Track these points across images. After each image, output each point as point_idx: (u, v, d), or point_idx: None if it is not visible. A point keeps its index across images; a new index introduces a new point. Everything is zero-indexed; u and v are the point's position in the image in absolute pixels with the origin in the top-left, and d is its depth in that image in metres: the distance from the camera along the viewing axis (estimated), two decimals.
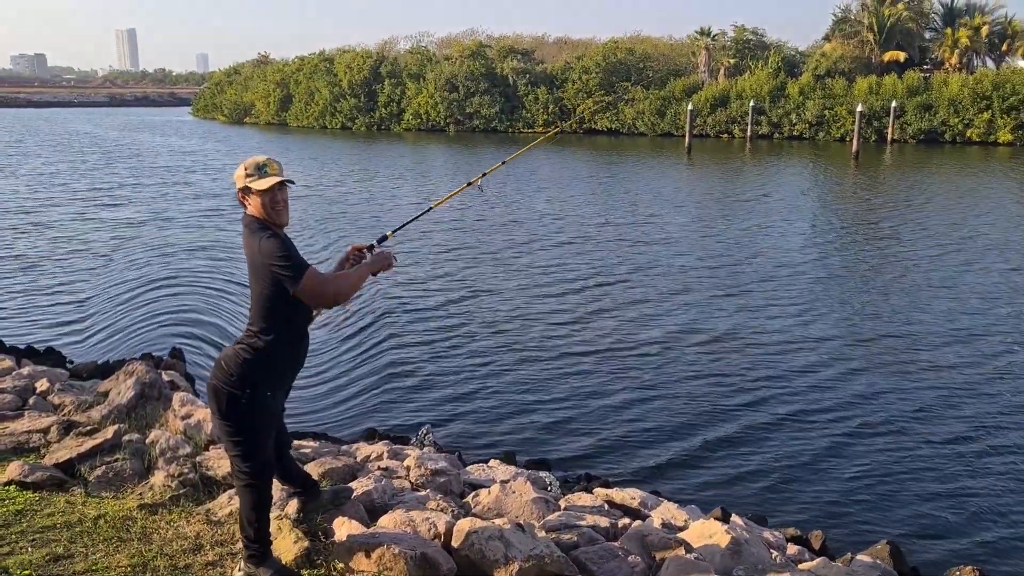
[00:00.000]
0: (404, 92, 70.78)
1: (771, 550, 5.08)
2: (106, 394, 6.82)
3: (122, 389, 6.62)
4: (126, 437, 5.80)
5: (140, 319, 12.64)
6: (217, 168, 38.41)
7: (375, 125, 71.67)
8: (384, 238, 4.66)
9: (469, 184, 5.34)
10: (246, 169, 3.95)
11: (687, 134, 49.50)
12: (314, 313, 4.10)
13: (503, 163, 6.07)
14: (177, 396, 6.57)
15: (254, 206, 3.92)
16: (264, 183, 3.90)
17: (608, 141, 56.96)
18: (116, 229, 21.17)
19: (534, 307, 14.03)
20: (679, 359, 11.42)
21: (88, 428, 5.92)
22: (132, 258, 17.40)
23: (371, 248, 4.52)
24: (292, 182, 4.03)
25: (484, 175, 5.42)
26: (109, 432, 5.77)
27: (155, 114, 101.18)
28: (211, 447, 5.84)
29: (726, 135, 59.01)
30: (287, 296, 3.80)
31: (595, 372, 10.94)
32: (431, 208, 5.19)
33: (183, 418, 6.18)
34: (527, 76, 67.07)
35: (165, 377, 7.40)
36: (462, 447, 8.39)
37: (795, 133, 56.77)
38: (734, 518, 5.34)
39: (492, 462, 6.75)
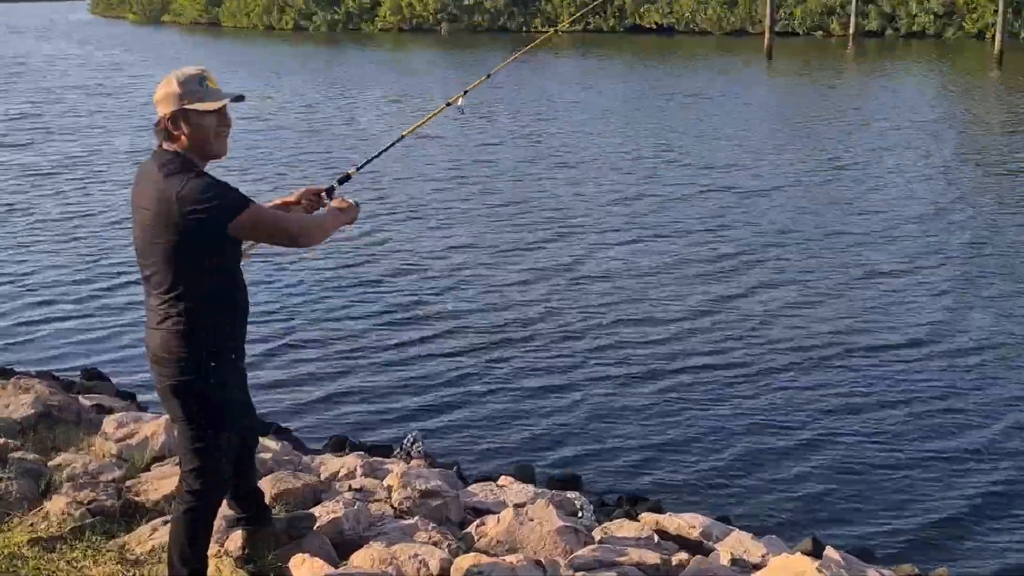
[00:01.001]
0: None
1: None
2: None
3: (11, 403, 6.76)
4: (15, 454, 5.92)
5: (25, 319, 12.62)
6: (139, 87, 38.15)
7: (339, 24, 71.33)
8: (347, 177, 4.96)
9: (448, 104, 5.66)
10: (180, 85, 4.03)
11: (767, 31, 49.01)
12: (244, 247, 4.30)
13: (488, 76, 6.34)
14: (111, 418, 6.75)
15: (188, 136, 4.04)
16: (212, 103, 4.03)
17: (657, 42, 56.47)
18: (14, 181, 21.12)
19: (555, 279, 14.02)
20: (749, 346, 11.38)
21: None
22: (29, 229, 17.31)
23: (330, 191, 4.72)
24: (242, 97, 4.22)
25: (466, 92, 5.72)
26: None
27: (37, 10, 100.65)
28: (154, 465, 6.02)
29: (821, 32, 58.47)
30: (211, 241, 4.01)
31: (639, 363, 10.93)
32: (402, 137, 5.52)
33: (119, 440, 6.36)
34: None
35: (86, 401, 7.59)
36: (461, 459, 8.43)
37: (916, 29, 56.15)
38: (828, 551, 5.37)
39: (502, 479, 6.78)
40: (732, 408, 9.73)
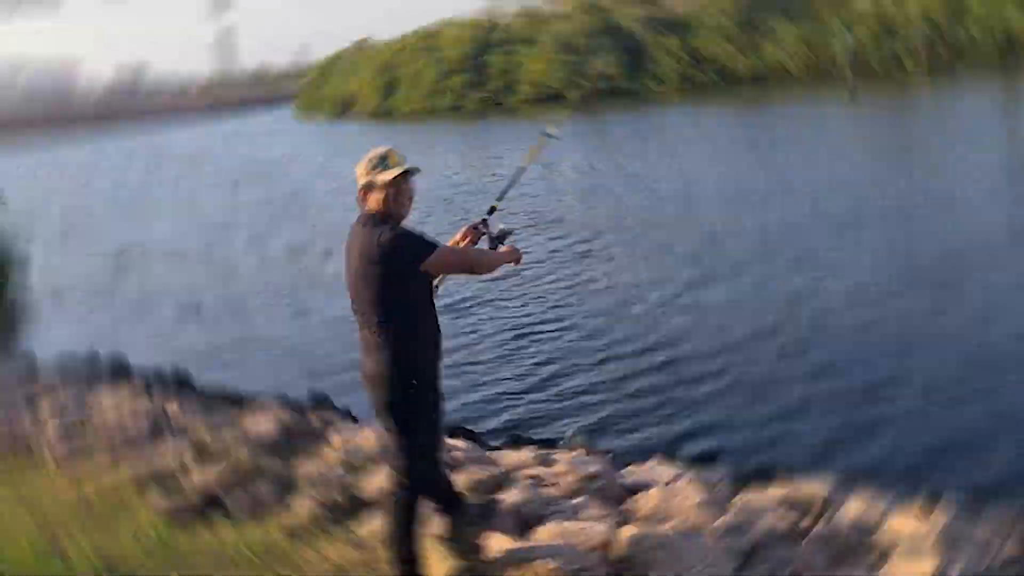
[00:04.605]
0: (516, 60, 71.75)
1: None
2: (239, 423, 7.74)
3: (260, 422, 7.56)
4: (265, 463, 6.72)
5: (280, 350, 13.73)
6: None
7: (488, 100, 72.80)
8: (492, 209, 5.58)
9: (548, 136, 6.23)
10: (369, 163, 4.75)
11: (847, 71, 46.70)
12: (436, 284, 4.88)
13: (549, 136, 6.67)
14: (336, 432, 7.42)
15: (375, 200, 4.71)
16: (388, 173, 4.68)
17: (752, 91, 55.17)
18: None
19: (689, 293, 14.01)
20: (882, 322, 11.28)
21: (223, 452, 6.97)
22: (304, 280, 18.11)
23: (484, 223, 5.40)
24: (418, 169, 4.77)
25: (553, 124, 6.33)
26: (245, 457, 6.73)
27: (257, 120, 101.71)
28: (370, 466, 6.60)
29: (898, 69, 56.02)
30: (407, 278, 4.61)
31: (768, 354, 11.01)
32: (524, 169, 6.08)
33: (343, 448, 7.02)
34: (652, 24, 66.33)
35: (315, 420, 8.22)
36: (616, 448, 8.72)
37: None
38: (940, 508, 5.51)
39: (651, 462, 7.14)
40: (855, 386, 9.66)
